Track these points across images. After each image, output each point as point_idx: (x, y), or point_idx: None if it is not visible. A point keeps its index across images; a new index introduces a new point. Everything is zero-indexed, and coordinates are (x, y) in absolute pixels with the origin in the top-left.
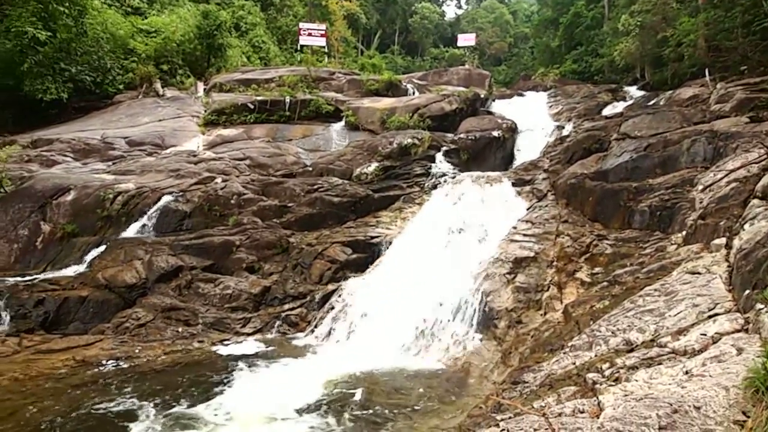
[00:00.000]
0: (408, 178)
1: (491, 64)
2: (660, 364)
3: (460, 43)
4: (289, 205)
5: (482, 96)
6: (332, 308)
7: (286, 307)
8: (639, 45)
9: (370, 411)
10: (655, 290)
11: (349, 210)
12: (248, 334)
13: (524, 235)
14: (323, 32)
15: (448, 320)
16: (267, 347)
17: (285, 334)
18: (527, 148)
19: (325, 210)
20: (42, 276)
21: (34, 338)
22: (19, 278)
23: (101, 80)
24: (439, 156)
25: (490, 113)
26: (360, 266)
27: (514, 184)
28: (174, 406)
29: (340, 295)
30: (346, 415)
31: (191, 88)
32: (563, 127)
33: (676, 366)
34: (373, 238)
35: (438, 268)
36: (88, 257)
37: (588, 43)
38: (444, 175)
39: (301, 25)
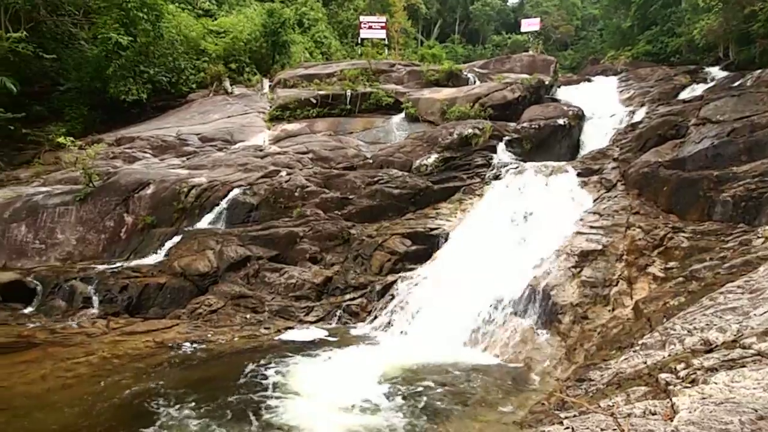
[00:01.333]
0: (468, 169)
1: (557, 49)
2: (743, 366)
3: (523, 29)
4: (350, 197)
5: (547, 83)
6: (392, 299)
7: (347, 297)
8: (722, 21)
9: (427, 402)
10: (738, 287)
11: (408, 202)
12: (311, 323)
13: (591, 227)
14: (383, 24)
15: (509, 314)
16: (329, 336)
17: (346, 323)
18: (595, 137)
19: (385, 202)
20: (126, 264)
21: (119, 321)
22: (106, 266)
23: (176, 80)
24: (501, 146)
25: (555, 100)
26: (419, 258)
27: (580, 174)
28: (243, 388)
29: (399, 287)
30: (403, 406)
31: (257, 85)
32: (635, 113)
33: (762, 369)
34: (432, 229)
35: (499, 260)
36: (166, 247)
37: (664, 21)
38: (506, 165)
39: (362, 18)
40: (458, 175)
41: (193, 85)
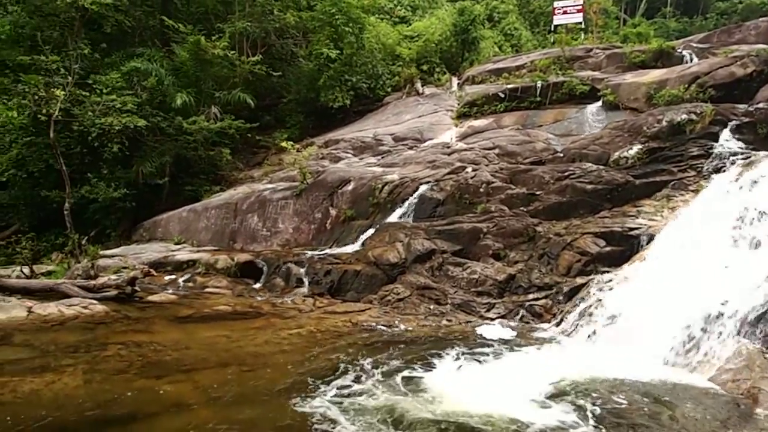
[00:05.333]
0: (680, 161)
1: None
2: None
3: None
4: (537, 193)
5: None
6: (581, 303)
7: (530, 296)
8: None
9: (614, 422)
10: None
11: (603, 198)
12: (492, 319)
13: None
14: (580, 7)
15: (730, 331)
16: (510, 334)
17: (528, 323)
18: None
19: (575, 198)
20: (329, 251)
21: (323, 300)
22: (314, 252)
23: (374, 86)
24: (725, 133)
25: None
26: (614, 260)
27: None
28: (421, 370)
29: (590, 290)
30: (585, 420)
31: (446, 84)
32: None
33: None
34: (631, 229)
35: (717, 267)
36: (362, 238)
37: None
38: (732, 155)
39: (556, 3)
40: (666, 168)
41: (389, 89)
